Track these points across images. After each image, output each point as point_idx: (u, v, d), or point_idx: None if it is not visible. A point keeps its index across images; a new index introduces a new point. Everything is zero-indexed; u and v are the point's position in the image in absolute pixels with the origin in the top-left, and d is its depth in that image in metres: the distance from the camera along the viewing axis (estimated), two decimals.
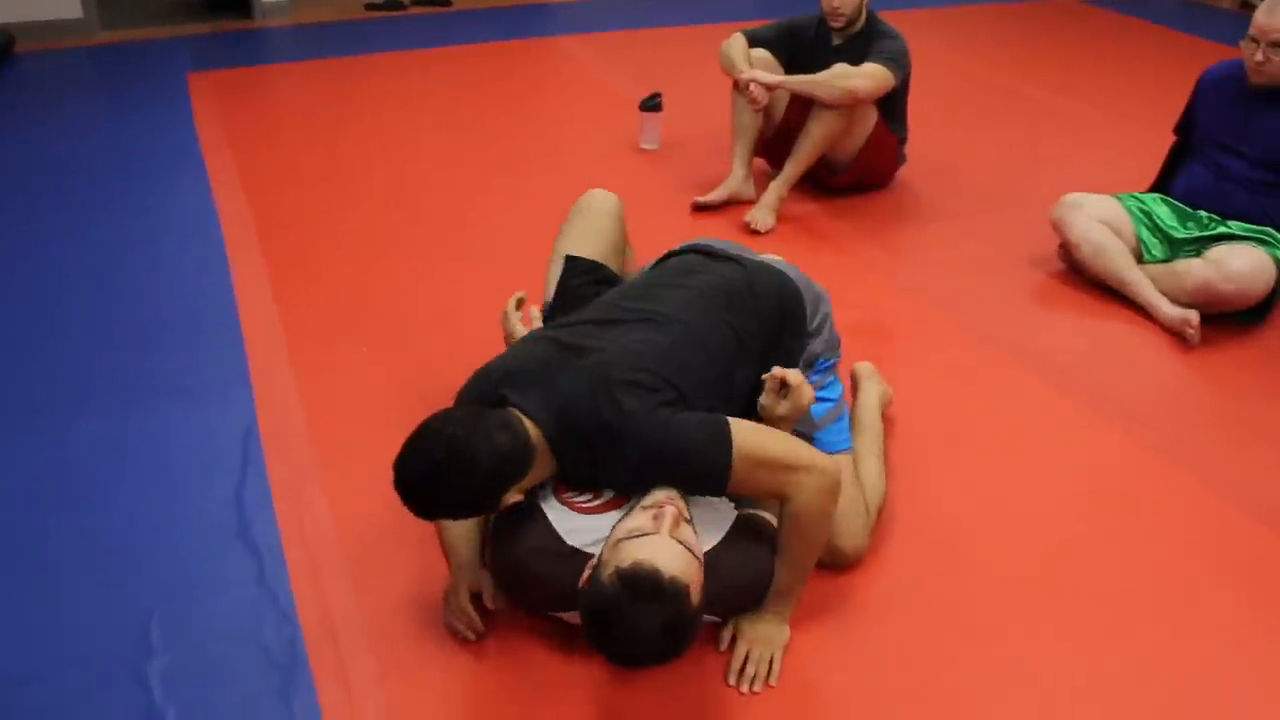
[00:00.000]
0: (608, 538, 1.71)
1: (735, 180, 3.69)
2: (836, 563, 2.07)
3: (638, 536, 1.63)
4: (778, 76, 3.54)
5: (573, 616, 1.83)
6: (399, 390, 2.63)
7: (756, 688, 1.84)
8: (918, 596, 2.06)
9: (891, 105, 3.61)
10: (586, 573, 1.69)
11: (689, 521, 1.73)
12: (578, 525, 1.82)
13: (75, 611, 1.98)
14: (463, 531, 1.99)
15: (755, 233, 3.49)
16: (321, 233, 3.44)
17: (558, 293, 2.29)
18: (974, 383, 2.75)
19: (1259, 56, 2.90)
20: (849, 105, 3.44)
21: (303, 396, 2.61)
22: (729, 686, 1.85)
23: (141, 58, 5.23)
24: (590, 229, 2.41)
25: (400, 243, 3.39)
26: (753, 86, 3.53)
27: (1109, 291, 3.12)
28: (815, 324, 2.22)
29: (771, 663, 1.87)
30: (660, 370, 1.86)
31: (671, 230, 3.48)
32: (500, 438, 1.74)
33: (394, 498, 2.18)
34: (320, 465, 2.38)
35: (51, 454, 2.40)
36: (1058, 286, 3.21)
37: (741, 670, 1.86)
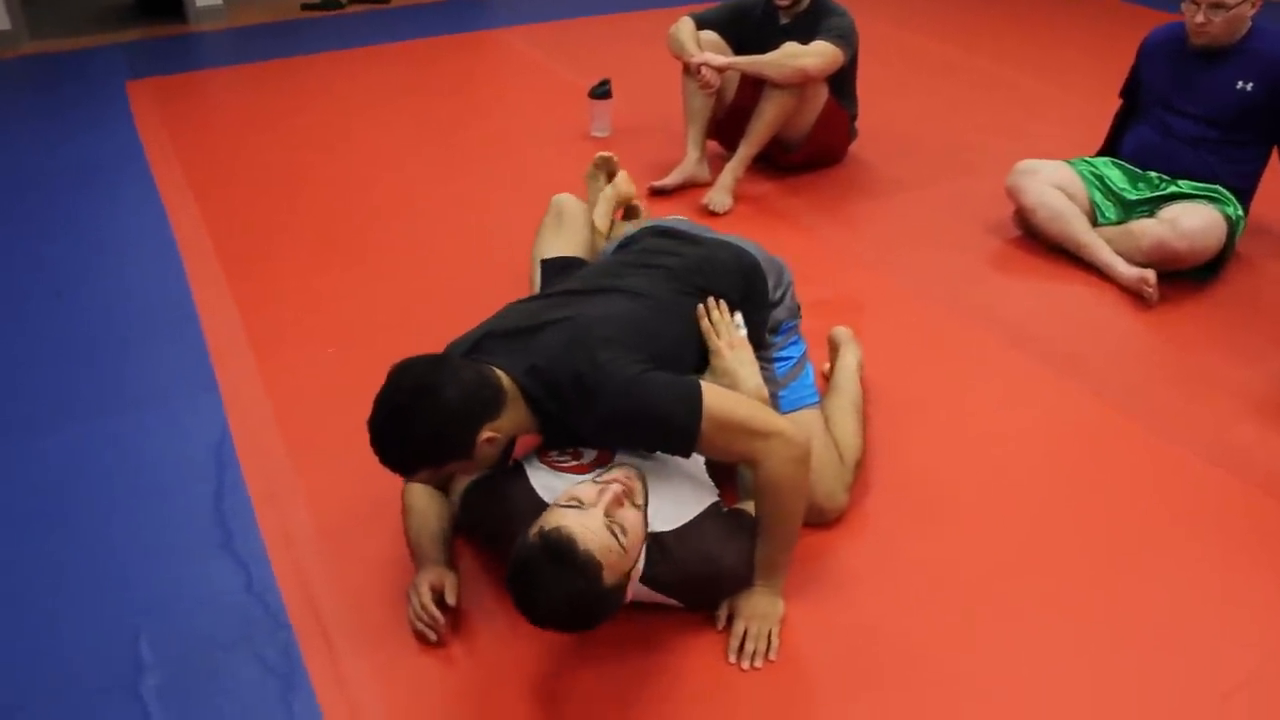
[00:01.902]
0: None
1: (690, 163, 3.70)
2: (815, 520, 2.10)
3: (571, 506, 1.67)
4: (728, 58, 3.55)
5: None
6: (370, 388, 2.58)
7: (757, 663, 1.86)
8: (899, 557, 2.10)
9: (841, 82, 3.64)
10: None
11: (640, 506, 1.75)
12: (553, 484, 1.87)
13: (61, 632, 1.94)
14: (430, 528, 2.00)
15: (713, 214, 3.51)
16: (276, 234, 3.40)
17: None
18: (941, 349, 2.78)
19: (1199, 18, 2.96)
20: (800, 84, 3.46)
21: (273, 399, 2.58)
22: (730, 665, 1.86)
23: (76, 67, 5.12)
24: (561, 237, 2.47)
25: (356, 240, 3.36)
26: (704, 69, 3.54)
27: (1065, 254, 3.17)
28: (778, 295, 2.28)
29: (770, 638, 1.89)
30: (635, 336, 1.90)
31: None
32: (466, 374, 1.77)
33: (376, 494, 2.21)
34: (297, 467, 2.36)
35: (23, 472, 2.35)
36: (1015, 252, 3.26)
37: (740, 648, 1.87)
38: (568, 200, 2.59)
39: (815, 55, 3.42)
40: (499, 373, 1.84)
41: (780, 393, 2.19)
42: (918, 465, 2.35)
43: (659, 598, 1.86)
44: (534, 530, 1.64)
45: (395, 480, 2.20)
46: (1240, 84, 2.98)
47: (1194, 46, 3.04)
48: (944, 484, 2.30)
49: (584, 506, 1.67)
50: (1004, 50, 5.25)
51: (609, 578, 1.62)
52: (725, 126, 3.78)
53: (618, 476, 1.76)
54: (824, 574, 2.05)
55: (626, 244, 2.34)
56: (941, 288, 3.07)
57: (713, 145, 3.87)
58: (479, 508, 1.99)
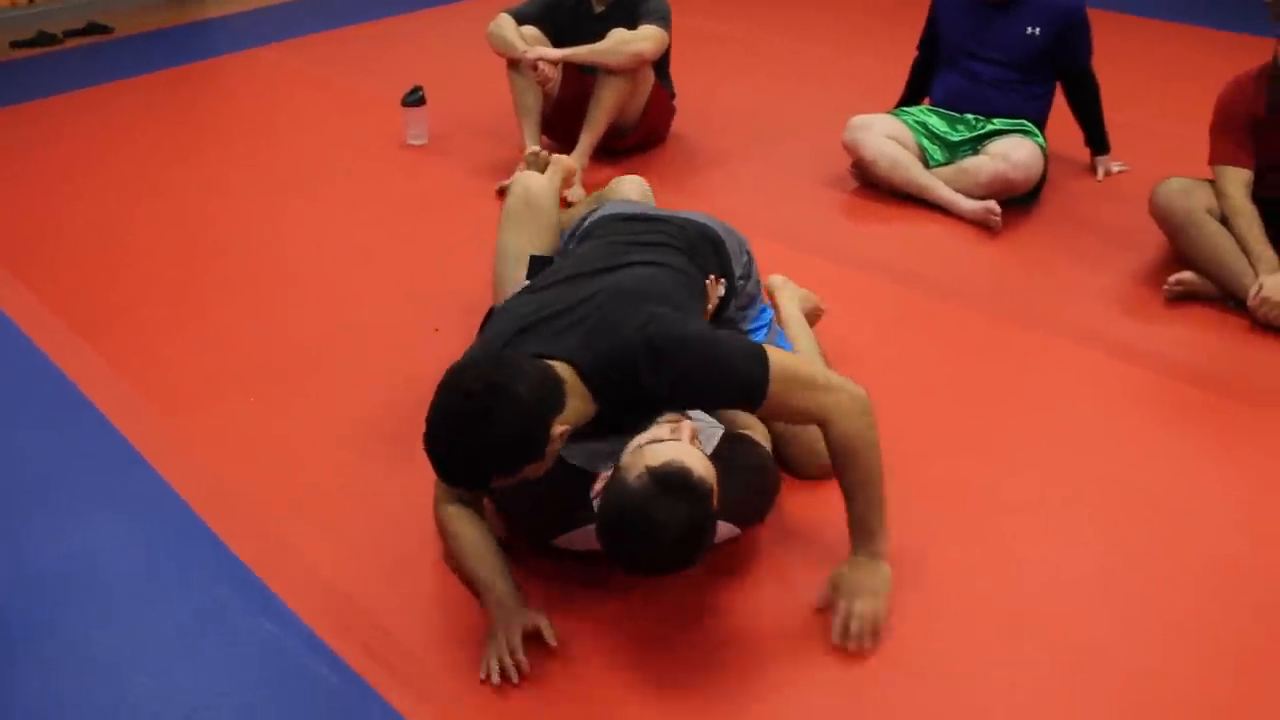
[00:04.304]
0: (626, 448, 1.74)
1: None
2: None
3: (665, 441, 1.71)
4: (563, 51, 3.61)
5: (575, 539, 1.90)
6: (315, 424, 2.50)
7: (867, 644, 1.82)
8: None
9: (662, 63, 3.78)
10: (599, 484, 1.75)
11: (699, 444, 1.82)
12: (585, 448, 1.88)
13: None
14: (490, 561, 1.90)
15: (569, 204, 3.56)
16: (121, 295, 3.11)
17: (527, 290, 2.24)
18: (835, 296, 2.96)
19: None
20: (636, 68, 3.57)
21: (218, 462, 2.41)
22: (835, 647, 1.84)
23: None
24: (534, 224, 2.42)
25: (211, 285, 3.14)
26: (540, 64, 3.58)
27: (906, 198, 3.47)
28: (744, 268, 2.35)
29: (877, 617, 1.84)
30: (675, 300, 1.91)
31: (489, 218, 3.47)
32: (528, 367, 1.73)
33: (377, 525, 2.16)
34: (281, 518, 2.23)
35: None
36: (861, 201, 3.54)
37: (846, 629, 1.84)
38: (534, 180, 2.50)
39: (648, 39, 3.54)
40: (551, 362, 1.78)
41: None
42: None
43: (722, 530, 1.83)
44: (634, 475, 1.64)
45: (400, 520, 2.17)
46: (1030, 29, 3.39)
47: None
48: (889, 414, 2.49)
49: (675, 441, 1.71)
50: (774, 22, 5.53)
51: (715, 500, 1.68)
52: (554, 120, 3.82)
53: (672, 419, 1.80)
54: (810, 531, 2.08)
55: (589, 232, 2.31)
56: (811, 240, 3.28)
57: (544, 139, 3.91)
58: (508, 496, 1.92)
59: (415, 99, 4.01)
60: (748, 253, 2.40)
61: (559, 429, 1.72)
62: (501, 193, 3.66)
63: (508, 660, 1.80)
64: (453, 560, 1.97)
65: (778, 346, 2.26)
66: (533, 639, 1.85)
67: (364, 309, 3.00)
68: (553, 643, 1.84)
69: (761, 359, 1.80)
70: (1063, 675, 1.83)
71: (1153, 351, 2.74)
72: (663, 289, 1.95)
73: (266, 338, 2.86)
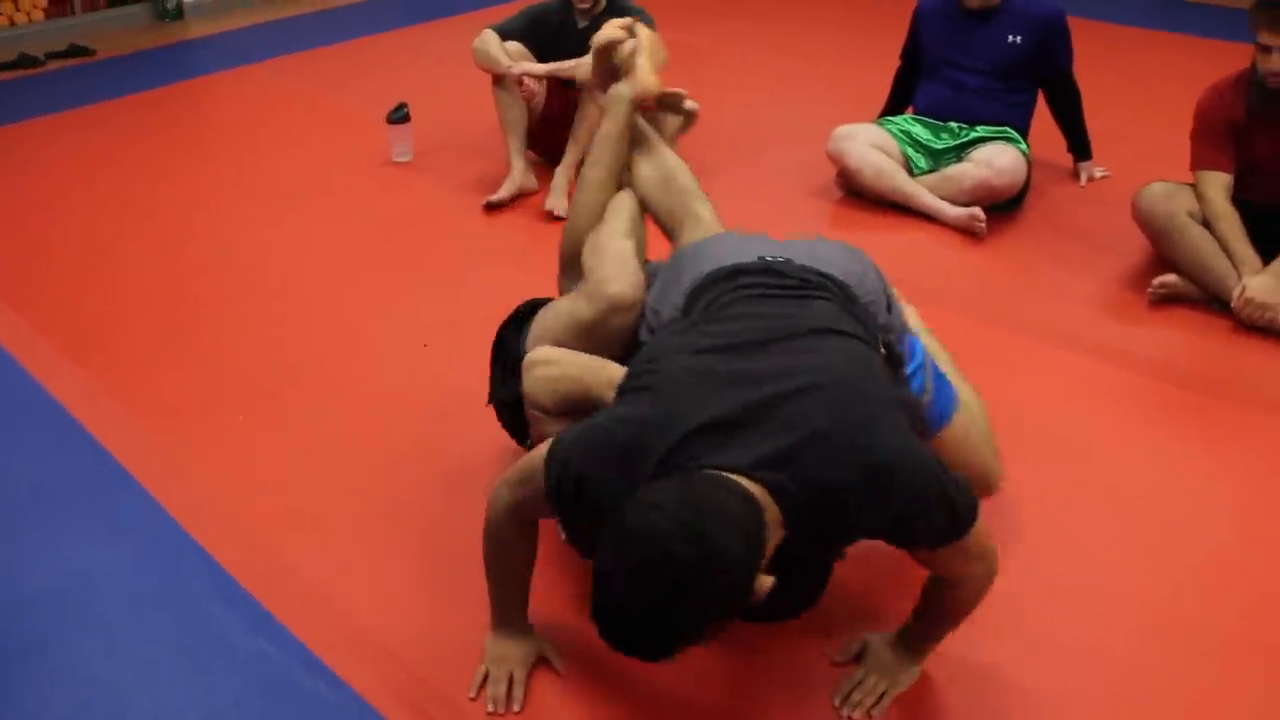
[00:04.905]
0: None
1: (518, 174, 3.73)
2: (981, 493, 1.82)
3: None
4: (548, 66, 3.63)
5: None
6: (305, 439, 2.50)
7: (856, 716, 1.76)
8: None
9: None
10: None
11: None
12: None
13: None
14: (522, 584, 1.82)
15: (557, 219, 3.56)
16: (108, 314, 3.10)
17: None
18: None
19: None
20: None
21: (209, 479, 2.41)
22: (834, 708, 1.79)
23: None
24: (633, 240, 2.10)
25: (198, 303, 3.13)
26: (525, 80, 3.59)
27: (891, 206, 3.50)
28: (886, 305, 1.92)
29: (883, 697, 1.78)
30: (889, 389, 1.58)
31: (475, 234, 3.52)
32: (731, 504, 1.36)
33: (371, 540, 2.15)
34: (274, 535, 2.22)
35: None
36: (847, 211, 3.57)
37: (849, 693, 1.78)
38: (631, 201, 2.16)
39: None
40: (745, 483, 1.41)
41: (932, 407, 1.91)
42: None
43: None
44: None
45: (394, 534, 2.17)
46: (1011, 38, 3.42)
47: (965, 8, 3.45)
48: None
49: None
50: (754, 36, 5.56)
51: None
52: (540, 135, 3.83)
53: None
54: None
55: (711, 296, 1.78)
56: None
57: (529, 154, 3.92)
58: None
59: (400, 116, 4.02)
60: (886, 286, 1.95)
61: (764, 585, 1.39)
62: (488, 208, 3.68)
63: (501, 692, 1.79)
64: (490, 568, 1.83)
65: (941, 391, 1.94)
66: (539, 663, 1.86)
67: (352, 325, 3.00)
68: (562, 671, 1.84)
69: (971, 496, 1.51)
70: (1051, 673, 1.84)
71: (1138, 354, 2.76)
72: (872, 371, 1.59)
73: (254, 355, 2.86)
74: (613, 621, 1.35)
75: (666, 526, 1.31)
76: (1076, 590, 2.02)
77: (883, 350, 1.74)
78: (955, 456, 1.84)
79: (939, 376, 1.96)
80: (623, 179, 2.19)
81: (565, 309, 2.05)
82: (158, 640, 1.99)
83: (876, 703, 1.77)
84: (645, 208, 2.19)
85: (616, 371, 1.80)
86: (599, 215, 2.13)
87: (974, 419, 1.99)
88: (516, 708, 1.79)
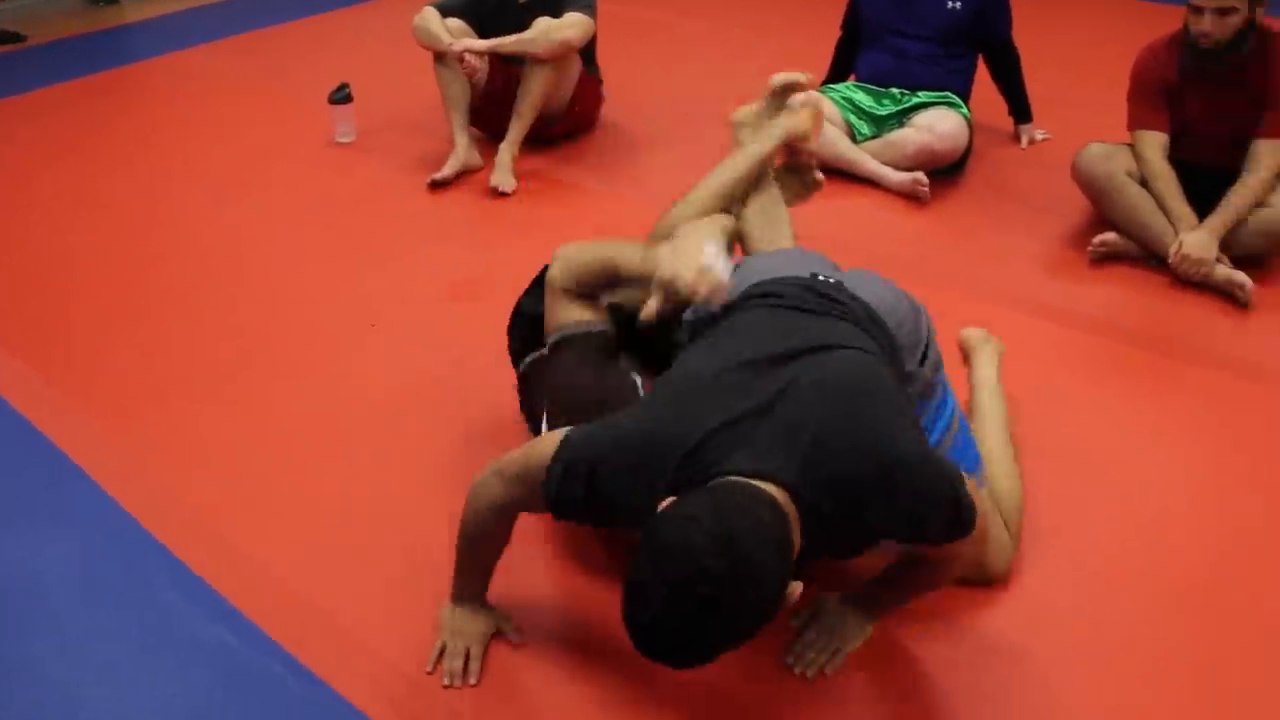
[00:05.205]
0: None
1: (462, 151, 3.71)
2: (975, 581, 1.93)
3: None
4: (489, 41, 3.60)
5: None
6: (258, 426, 2.49)
7: (810, 673, 1.78)
8: None
9: (589, 50, 3.79)
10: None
11: None
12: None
13: None
14: (491, 562, 1.83)
15: (502, 194, 3.56)
16: (54, 306, 3.05)
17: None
18: None
19: None
20: (563, 56, 3.57)
21: (162, 470, 2.38)
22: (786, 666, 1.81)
23: None
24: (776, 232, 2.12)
25: (147, 292, 3.08)
26: (467, 56, 3.57)
27: (836, 173, 3.50)
28: (924, 347, 1.88)
29: (835, 654, 1.80)
30: (891, 391, 1.57)
31: (420, 212, 3.50)
32: (762, 514, 1.37)
33: (329, 524, 2.14)
34: (230, 524, 2.21)
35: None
36: None
37: (801, 653, 1.80)
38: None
39: (574, 27, 3.55)
40: (769, 488, 1.42)
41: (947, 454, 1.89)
42: None
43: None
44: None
45: (352, 517, 2.16)
46: (950, 4, 3.45)
47: None
48: None
49: None
50: (705, 9, 5.54)
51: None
52: (483, 111, 3.81)
53: None
54: None
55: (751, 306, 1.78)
56: None
57: (473, 131, 3.90)
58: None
59: (342, 96, 3.97)
60: (928, 324, 1.92)
61: (794, 591, 1.39)
62: (433, 186, 3.66)
63: (458, 666, 1.80)
64: (463, 550, 1.81)
65: (963, 449, 1.94)
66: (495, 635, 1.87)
67: (301, 307, 2.98)
68: (515, 639, 1.86)
69: (971, 506, 1.50)
70: (1006, 631, 1.88)
71: (1080, 312, 2.81)
72: (874, 374, 1.59)
73: (205, 343, 2.83)
74: (649, 634, 1.35)
75: (702, 541, 1.30)
76: (1030, 548, 2.05)
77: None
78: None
79: (965, 444, 1.94)
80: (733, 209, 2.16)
81: (636, 250, 1.97)
82: (117, 637, 1.96)
83: (829, 660, 1.80)
84: (739, 240, 2.15)
85: (650, 249, 1.81)
86: (703, 214, 2.11)
87: (996, 502, 1.96)
88: (473, 680, 1.80)
